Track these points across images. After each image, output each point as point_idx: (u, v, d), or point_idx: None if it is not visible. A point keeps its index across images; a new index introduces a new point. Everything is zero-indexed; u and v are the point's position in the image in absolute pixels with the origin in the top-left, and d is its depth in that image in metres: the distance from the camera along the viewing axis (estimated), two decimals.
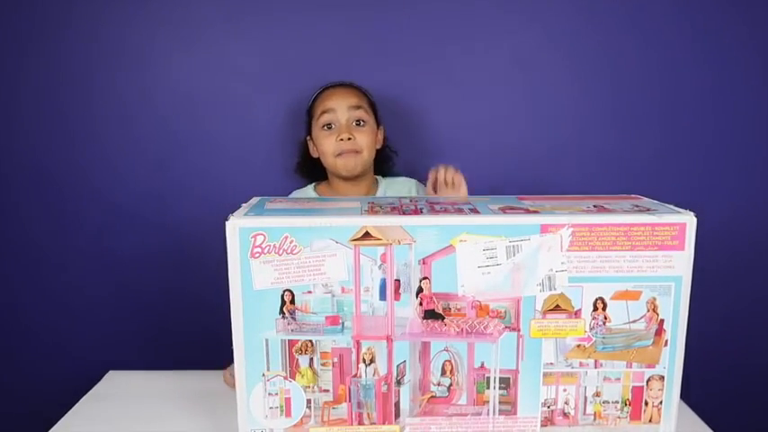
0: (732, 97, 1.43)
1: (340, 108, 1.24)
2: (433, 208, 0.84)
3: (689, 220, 0.79)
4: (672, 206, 0.84)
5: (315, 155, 1.30)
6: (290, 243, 0.78)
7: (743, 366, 1.54)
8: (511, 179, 1.42)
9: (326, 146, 1.24)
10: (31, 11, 1.37)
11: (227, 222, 0.77)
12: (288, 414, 0.82)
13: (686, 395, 0.98)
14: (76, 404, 1.02)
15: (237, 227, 0.77)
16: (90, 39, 1.39)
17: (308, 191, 1.32)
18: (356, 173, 1.25)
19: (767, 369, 1.55)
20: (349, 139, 1.22)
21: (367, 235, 0.78)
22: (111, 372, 1.15)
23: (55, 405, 1.02)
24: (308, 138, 1.31)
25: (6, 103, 1.41)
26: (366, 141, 1.24)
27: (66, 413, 0.99)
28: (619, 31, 1.40)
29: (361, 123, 1.25)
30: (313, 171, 1.35)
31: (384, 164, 1.36)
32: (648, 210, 0.82)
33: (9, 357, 1.51)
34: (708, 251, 1.44)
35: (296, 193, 1.33)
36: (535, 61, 1.41)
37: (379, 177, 1.34)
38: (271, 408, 0.82)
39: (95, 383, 1.10)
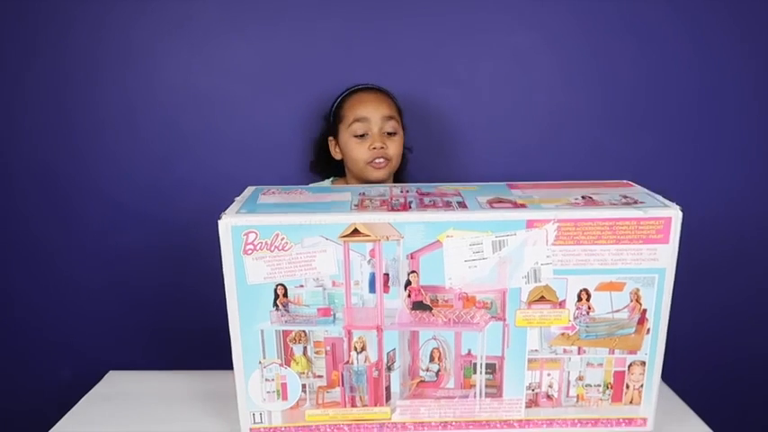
0: (726, 97, 1.42)
1: (374, 118, 1.25)
2: (422, 201, 0.85)
3: (674, 214, 0.80)
4: (660, 198, 0.85)
5: (338, 157, 1.32)
6: (282, 240, 0.80)
7: (742, 363, 1.56)
8: (511, 178, 1.41)
9: (358, 153, 1.26)
10: (35, 10, 1.36)
11: (219, 221, 0.80)
12: (284, 398, 0.87)
13: (686, 394, 1.02)
14: (76, 404, 1.01)
15: (230, 225, 0.79)
16: (95, 38, 1.38)
17: (326, 185, 1.35)
18: (383, 180, 1.28)
19: (766, 366, 1.57)
20: (381, 148, 1.25)
21: (356, 232, 0.80)
22: (111, 372, 1.14)
23: (55, 405, 1.02)
24: (331, 138, 1.32)
25: (11, 101, 1.41)
26: (396, 151, 1.27)
27: (66, 413, 0.98)
28: (619, 32, 1.39)
29: (393, 134, 1.27)
30: (329, 168, 1.37)
31: (400, 165, 1.37)
32: (636, 202, 0.83)
33: (9, 357, 1.54)
34: (704, 245, 1.47)
35: (314, 186, 1.35)
36: (536, 61, 1.41)
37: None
38: (268, 392, 0.86)
39: (95, 383, 1.09)
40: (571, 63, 1.41)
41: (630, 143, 1.45)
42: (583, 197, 0.85)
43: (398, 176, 1.38)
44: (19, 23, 1.37)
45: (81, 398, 1.03)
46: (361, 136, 1.27)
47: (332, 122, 1.32)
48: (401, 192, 0.90)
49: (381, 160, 1.26)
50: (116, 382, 1.09)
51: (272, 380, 0.86)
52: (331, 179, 1.37)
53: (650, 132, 1.45)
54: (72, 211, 1.46)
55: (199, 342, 1.48)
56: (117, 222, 1.47)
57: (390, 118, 1.27)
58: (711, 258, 1.50)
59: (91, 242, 1.48)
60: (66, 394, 1.04)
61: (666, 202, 0.83)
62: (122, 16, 1.37)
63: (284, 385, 0.86)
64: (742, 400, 1.58)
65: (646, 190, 0.89)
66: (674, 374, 1.03)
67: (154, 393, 1.04)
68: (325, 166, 1.37)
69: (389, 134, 1.27)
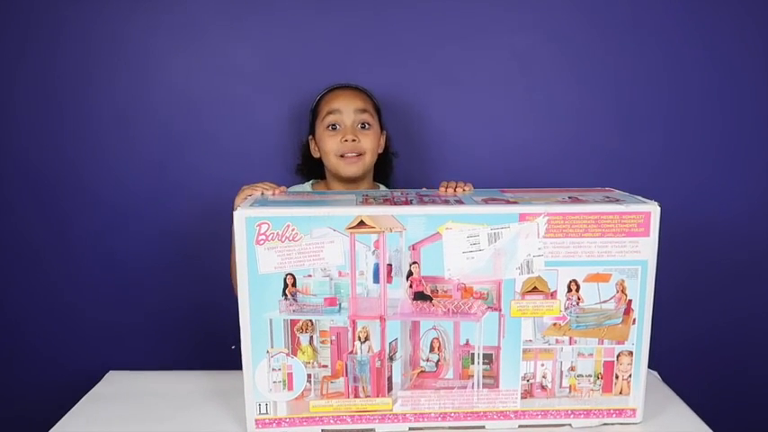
0: (734, 99, 1.46)
1: (346, 110, 1.27)
2: (422, 200, 0.92)
3: (653, 209, 0.87)
4: (639, 197, 0.92)
5: (316, 155, 1.34)
6: (292, 231, 0.85)
7: (742, 365, 1.57)
8: (510, 179, 1.44)
9: (329, 145, 1.27)
10: (28, 11, 1.39)
11: (234, 213, 0.85)
12: (290, 388, 0.90)
13: (685, 393, 1.06)
14: (76, 405, 1.02)
15: (244, 216, 0.85)
16: (89, 39, 1.41)
17: (306, 188, 1.38)
18: (357, 176, 1.28)
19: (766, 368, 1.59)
20: (353, 140, 1.26)
21: (362, 224, 0.86)
22: (111, 372, 1.14)
23: (55, 406, 1.02)
24: (310, 137, 1.37)
25: (4, 105, 1.43)
26: (370, 145, 1.28)
27: (66, 414, 0.99)
28: (619, 32, 1.43)
29: (366, 126, 1.29)
30: (313, 171, 1.40)
31: (384, 169, 1.39)
32: (617, 200, 0.90)
33: (9, 358, 1.53)
34: (712, 252, 1.50)
35: (294, 189, 1.38)
36: (535, 61, 1.44)
37: (380, 185, 1.38)
38: (274, 382, 0.89)
39: (95, 383, 1.10)
40: (571, 63, 1.44)
41: (635, 145, 1.47)
42: (569, 197, 0.93)
43: (385, 182, 1.40)
44: (11, 23, 1.39)
45: (81, 398, 1.03)
46: (334, 128, 1.28)
47: (311, 121, 1.35)
48: (401, 194, 0.97)
49: (353, 153, 1.26)
50: (116, 382, 1.09)
51: (279, 369, 0.89)
52: (311, 182, 1.38)
53: (650, 133, 1.47)
54: (70, 211, 1.47)
55: (198, 342, 1.48)
56: (114, 223, 1.47)
57: (363, 111, 1.28)
58: (722, 267, 1.51)
59: (89, 243, 1.48)
60: (66, 394, 1.04)
61: (645, 199, 0.90)
62: (115, 18, 1.40)
63: (290, 375, 0.89)
64: (744, 400, 1.58)
65: (626, 193, 0.96)
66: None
67: (154, 393, 1.05)
68: (311, 168, 1.38)
69: (363, 128, 1.28)
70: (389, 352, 0.90)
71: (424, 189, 1.13)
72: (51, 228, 1.48)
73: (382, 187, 1.37)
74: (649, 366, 0.93)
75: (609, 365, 0.92)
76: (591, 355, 0.91)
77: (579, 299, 0.89)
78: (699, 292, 1.52)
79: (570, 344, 0.91)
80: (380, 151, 1.35)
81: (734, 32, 1.44)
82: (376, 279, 0.88)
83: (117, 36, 1.42)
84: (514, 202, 0.89)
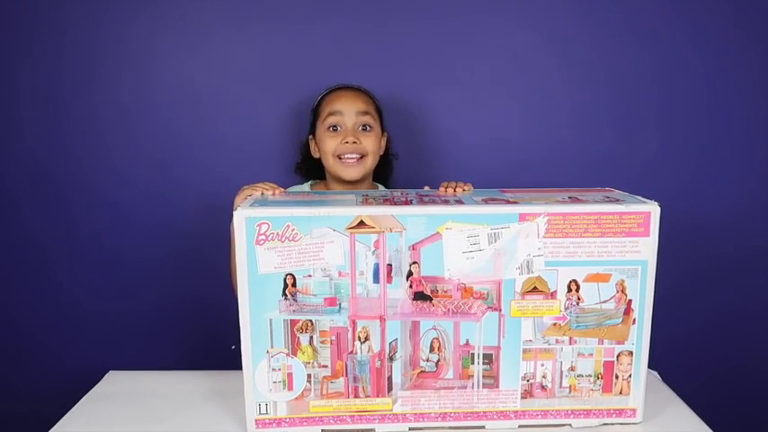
0: (729, 98, 1.46)
1: (348, 111, 1.27)
2: (422, 200, 0.92)
3: (653, 209, 0.87)
4: (640, 197, 0.92)
5: (316, 155, 1.34)
6: (292, 231, 0.86)
7: (743, 365, 1.58)
8: (510, 180, 1.42)
9: (329, 146, 1.26)
10: (32, 10, 1.40)
11: (234, 213, 0.85)
12: (290, 388, 0.90)
13: (685, 392, 1.06)
14: (76, 404, 1.02)
15: (244, 216, 0.85)
16: (93, 38, 1.41)
17: (305, 188, 1.38)
18: (357, 178, 1.28)
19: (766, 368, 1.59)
20: (354, 142, 1.25)
21: (362, 224, 0.86)
22: (111, 372, 1.15)
23: (55, 405, 1.02)
24: (311, 137, 1.37)
25: (8, 103, 1.44)
26: (371, 147, 1.27)
27: (66, 413, 0.99)
28: (617, 32, 1.44)
29: (368, 128, 1.28)
30: (312, 171, 1.40)
31: (384, 170, 1.39)
32: (617, 200, 0.90)
33: (9, 357, 1.53)
34: (707, 250, 1.51)
35: (292, 190, 1.38)
36: (534, 61, 1.45)
37: (379, 186, 1.38)
38: (274, 382, 0.89)
39: (95, 383, 1.10)
40: (569, 64, 1.45)
41: (633, 146, 1.48)
42: (569, 197, 0.93)
43: (384, 184, 1.39)
44: (15, 22, 1.40)
45: (81, 398, 1.04)
46: (335, 129, 1.27)
47: (311, 121, 1.35)
48: (401, 194, 0.97)
49: (354, 155, 1.26)
50: (116, 382, 1.10)
51: (279, 369, 0.89)
52: (310, 182, 1.38)
53: (651, 134, 1.48)
54: (71, 211, 1.47)
55: (198, 342, 1.48)
56: (115, 223, 1.48)
57: (365, 113, 1.28)
58: (720, 266, 1.52)
59: (89, 242, 1.48)
60: (66, 394, 1.05)
61: (645, 199, 0.90)
62: (120, 18, 1.41)
63: (290, 375, 0.89)
64: (743, 398, 1.58)
65: (626, 193, 0.96)
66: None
67: (153, 393, 1.05)
68: (310, 167, 1.38)
69: (364, 130, 1.28)
70: (389, 352, 0.90)
71: (426, 188, 1.14)
72: (56, 226, 1.49)
73: (381, 188, 1.37)
74: (649, 366, 0.93)
75: (609, 365, 0.92)
76: (591, 355, 0.91)
77: (579, 299, 0.89)
78: (695, 290, 1.53)
79: (570, 344, 0.91)
80: (381, 153, 1.34)
81: (725, 33, 1.45)
82: (376, 279, 0.88)
83: (122, 36, 1.43)
84: (514, 202, 0.89)
